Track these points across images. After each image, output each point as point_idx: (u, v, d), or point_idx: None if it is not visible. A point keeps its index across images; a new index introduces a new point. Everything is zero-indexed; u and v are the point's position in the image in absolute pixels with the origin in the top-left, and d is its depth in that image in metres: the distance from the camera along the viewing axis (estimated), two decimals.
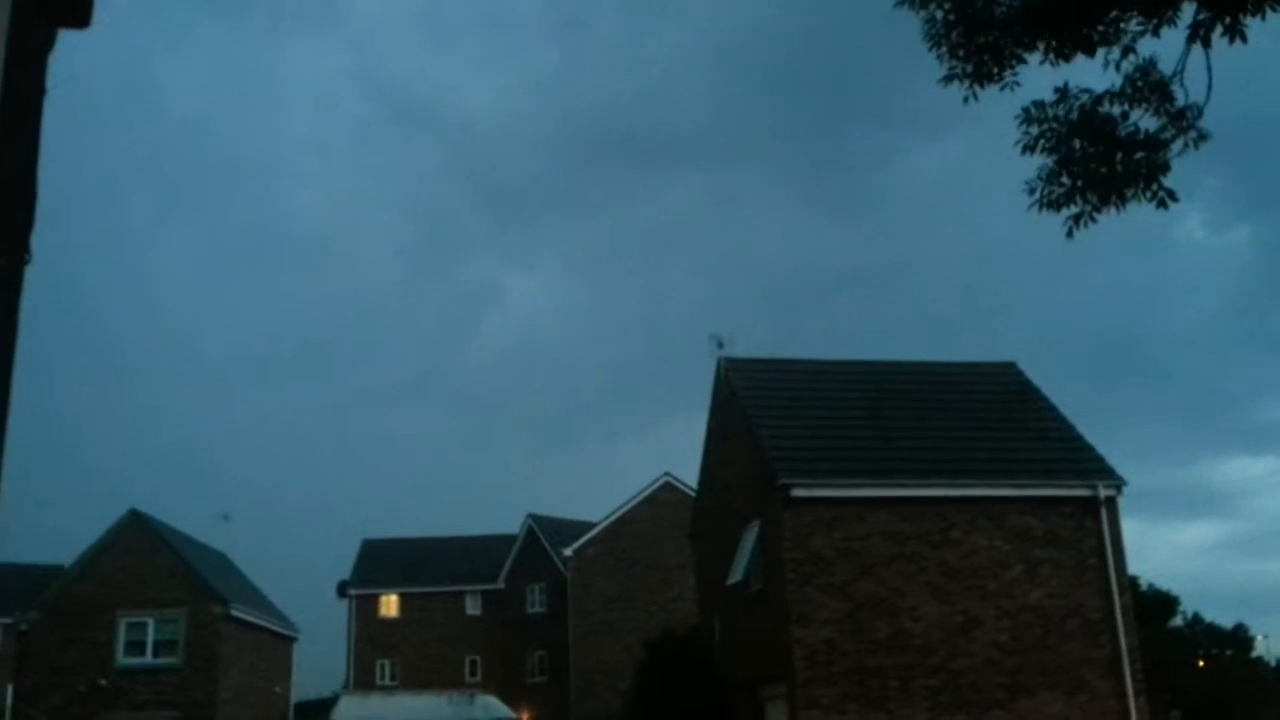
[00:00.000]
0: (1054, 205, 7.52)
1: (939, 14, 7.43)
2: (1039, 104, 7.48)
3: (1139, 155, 7.33)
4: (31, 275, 3.26)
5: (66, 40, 3.80)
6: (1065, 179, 7.46)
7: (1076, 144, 7.41)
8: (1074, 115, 7.43)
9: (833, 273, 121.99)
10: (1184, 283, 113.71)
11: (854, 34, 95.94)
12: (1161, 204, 7.27)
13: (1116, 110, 7.39)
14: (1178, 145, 7.31)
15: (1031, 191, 7.60)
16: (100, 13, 3.82)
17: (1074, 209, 7.48)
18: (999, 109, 7.61)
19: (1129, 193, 7.33)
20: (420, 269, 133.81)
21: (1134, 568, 23.77)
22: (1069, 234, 7.52)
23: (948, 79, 7.52)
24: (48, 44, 3.38)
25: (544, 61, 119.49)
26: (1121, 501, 22.35)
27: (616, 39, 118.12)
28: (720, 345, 25.90)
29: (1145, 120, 7.39)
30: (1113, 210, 7.43)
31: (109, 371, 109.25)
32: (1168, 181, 7.31)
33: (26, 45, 3.02)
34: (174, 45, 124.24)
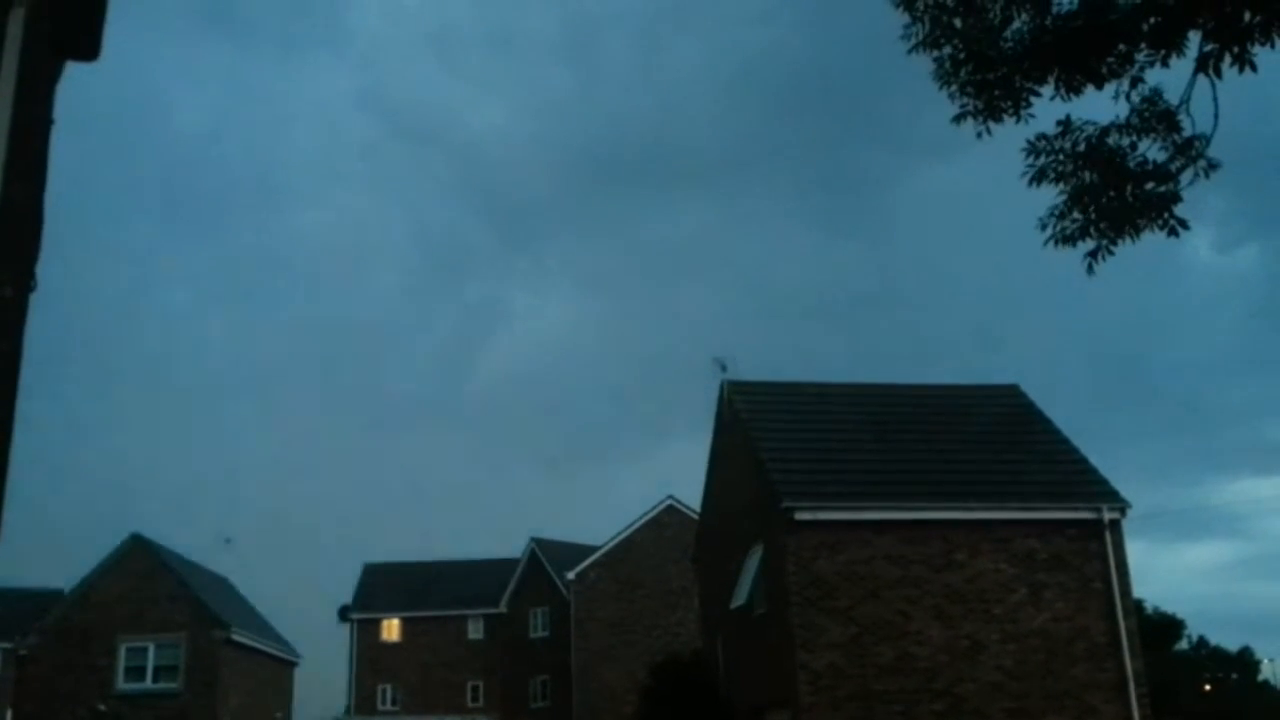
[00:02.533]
0: (1068, 240, 7.44)
1: (948, 51, 7.40)
2: (1044, 137, 7.42)
3: (1149, 186, 7.28)
4: (34, 295, 3.26)
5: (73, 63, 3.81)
6: (1078, 214, 7.39)
7: (1087, 176, 7.35)
8: (1081, 147, 7.37)
9: (839, 295, 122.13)
10: (1190, 303, 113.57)
11: (865, 57, 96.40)
12: (1172, 233, 7.23)
13: (1125, 141, 7.33)
14: (1187, 175, 7.24)
15: (1043, 228, 7.52)
16: (107, 32, 3.83)
17: (1089, 243, 7.41)
18: (1008, 135, 7.58)
19: (1142, 223, 7.28)
20: (427, 290, 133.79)
21: (1139, 591, 23.66)
22: (1089, 269, 7.43)
23: (959, 118, 7.46)
24: (56, 76, 3.39)
25: (555, 82, 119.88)
26: (1126, 524, 22.29)
27: (628, 60, 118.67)
28: (723, 368, 25.90)
29: (1153, 151, 7.33)
30: (1127, 241, 7.36)
31: (111, 393, 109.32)
32: (1178, 210, 7.28)
33: (36, 79, 3.03)
34: (182, 66, 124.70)
